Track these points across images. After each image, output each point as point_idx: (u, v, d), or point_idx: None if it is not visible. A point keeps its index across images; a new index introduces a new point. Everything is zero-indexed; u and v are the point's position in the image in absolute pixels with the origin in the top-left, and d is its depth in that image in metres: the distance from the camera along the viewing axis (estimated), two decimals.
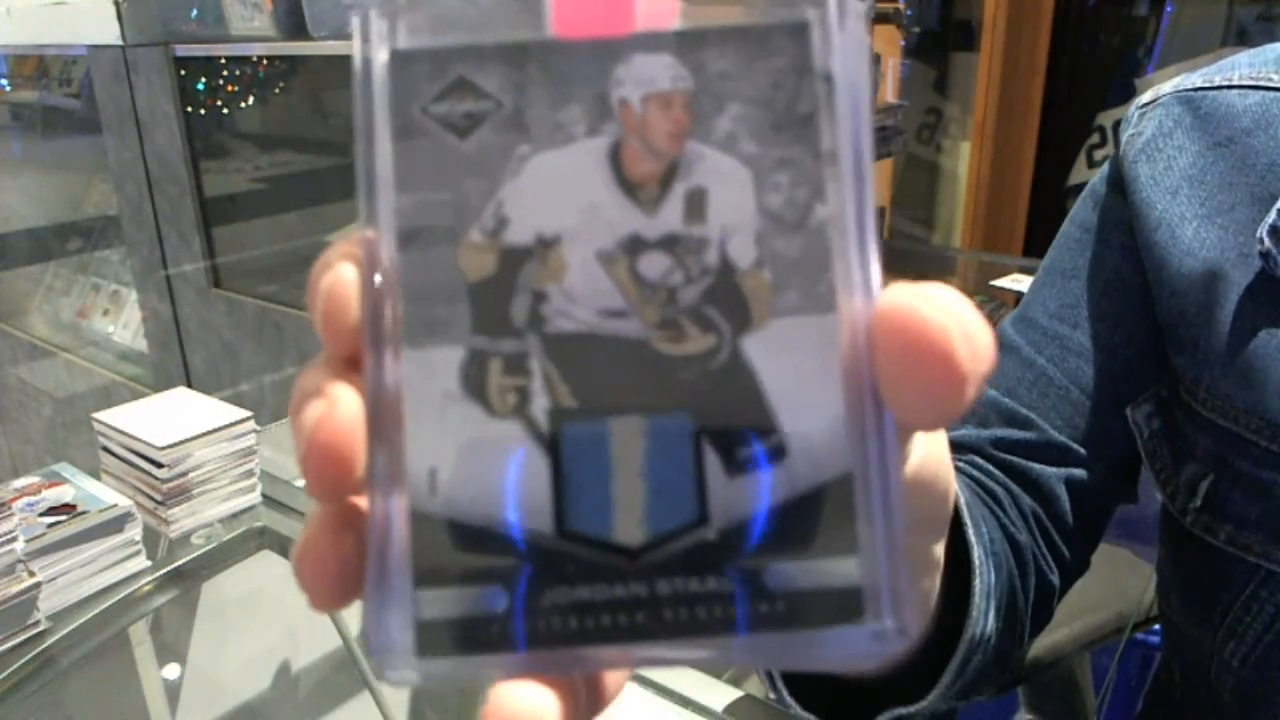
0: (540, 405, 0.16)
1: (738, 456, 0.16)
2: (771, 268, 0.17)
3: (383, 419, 0.16)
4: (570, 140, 0.17)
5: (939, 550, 0.27)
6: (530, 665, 0.16)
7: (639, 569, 0.16)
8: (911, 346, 0.16)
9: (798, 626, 0.16)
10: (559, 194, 0.17)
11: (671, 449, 0.16)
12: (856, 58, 0.17)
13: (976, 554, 0.37)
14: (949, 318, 0.16)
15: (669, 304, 0.17)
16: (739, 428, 0.16)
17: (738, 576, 0.16)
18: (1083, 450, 0.52)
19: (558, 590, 0.16)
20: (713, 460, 0.16)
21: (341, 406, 0.16)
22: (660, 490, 0.16)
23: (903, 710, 0.37)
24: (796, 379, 0.16)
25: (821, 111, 0.17)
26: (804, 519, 0.16)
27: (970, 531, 0.37)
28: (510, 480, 0.16)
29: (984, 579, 0.38)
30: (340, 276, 0.17)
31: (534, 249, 0.17)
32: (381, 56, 0.17)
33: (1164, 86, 0.53)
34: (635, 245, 0.17)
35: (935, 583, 0.28)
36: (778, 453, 0.16)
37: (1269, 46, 0.51)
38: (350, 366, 0.17)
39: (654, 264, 0.17)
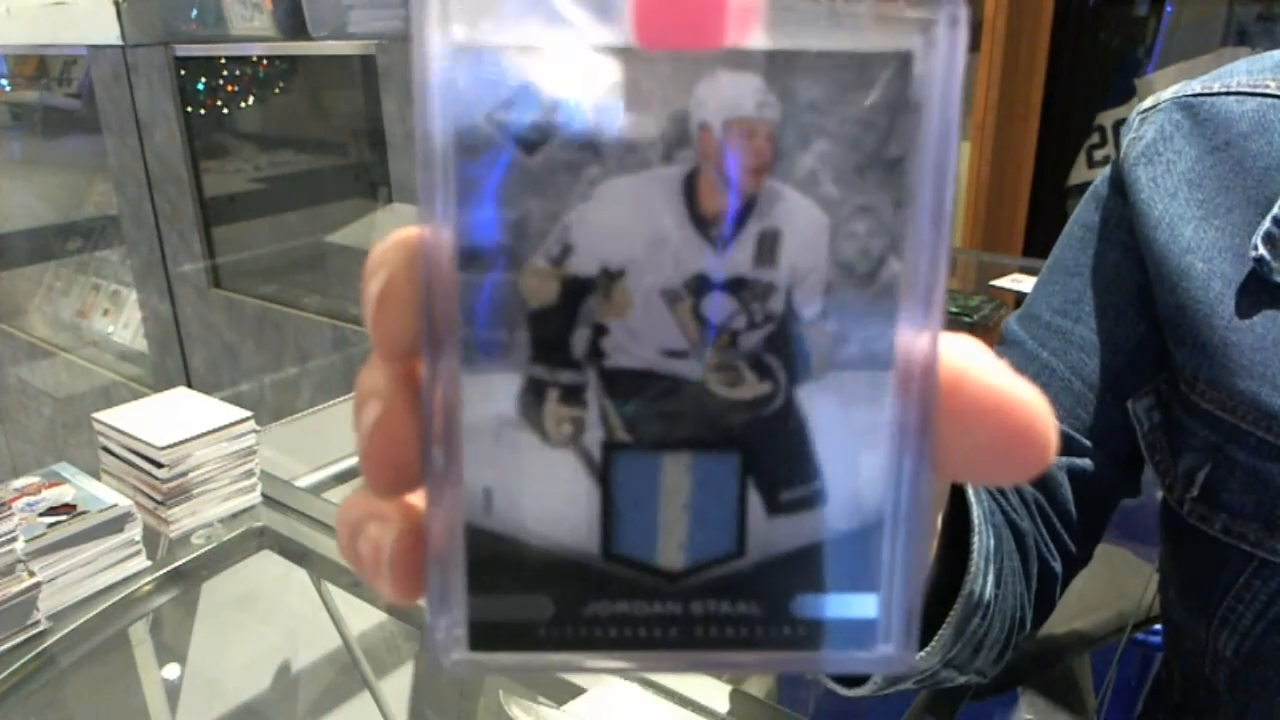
0: (595, 437, 0.17)
1: (779, 499, 0.17)
2: (835, 320, 0.17)
3: (440, 437, 0.17)
4: (644, 166, 0.16)
5: (938, 520, 0.27)
6: (570, 665, 0.18)
7: (676, 590, 0.18)
8: (1005, 421, 0.17)
9: (814, 648, 0.18)
10: (628, 224, 0.16)
11: (717, 486, 0.17)
12: (955, 92, 0.16)
13: (975, 513, 0.39)
14: (1031, 392, 0.17)
15: (729, 348, 0.17)
16: (784, 473, 0.17)
17: (766, 603, 0.18)
18: (1086, 441, 0.53)
19: (600, 603, 0.17)
20: (755, 500, 0.17)
21: (397, 413, 0.17)
22: (703, 523, 0.17)
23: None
24: (845, 432, 0.17)
25: (910, 158, 0.16)
26: (834, 558, 0.17)
27: (970, 493, 0.39)
28: (562, 505, 0.17)
29: (983, 539, 0.39)
30: (393, 280, 0.17)
31: (598, 281, 0.16)
32: (442, 51, 0.16)
33: (1164, 93, 0.55)
34: (701, 285, 0.17)
35: (933, 548, 0.29)
36: (817, 499, 0.17)
37: (1267, 54, 0.52)
38: (402, 365, 0.18)
39: (718, 306, 0.17)
